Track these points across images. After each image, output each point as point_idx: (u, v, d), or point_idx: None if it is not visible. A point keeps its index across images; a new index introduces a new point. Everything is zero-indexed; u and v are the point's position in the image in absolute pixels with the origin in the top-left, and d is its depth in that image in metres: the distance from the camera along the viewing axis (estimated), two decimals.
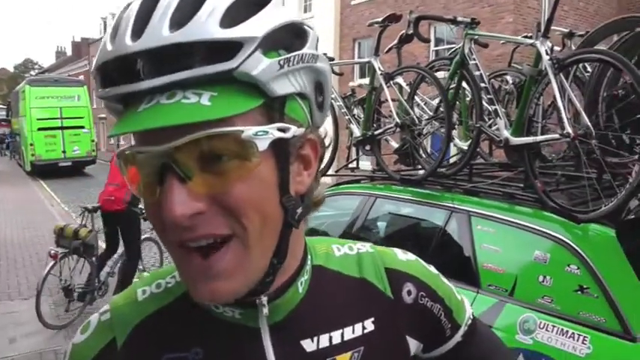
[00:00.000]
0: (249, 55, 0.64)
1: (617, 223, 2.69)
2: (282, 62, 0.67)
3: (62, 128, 23.18)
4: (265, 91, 0.66)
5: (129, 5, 0.67)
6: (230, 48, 0.63)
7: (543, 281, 2.74)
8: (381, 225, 4.41)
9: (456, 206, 3.39)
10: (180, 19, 0.63)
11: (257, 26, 0.65)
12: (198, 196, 0.64)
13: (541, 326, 2.62)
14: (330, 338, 0.83)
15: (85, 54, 57.11)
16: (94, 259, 6.04)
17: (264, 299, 0.77)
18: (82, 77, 37.59)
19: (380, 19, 4.60)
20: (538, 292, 2.74)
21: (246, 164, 0.65)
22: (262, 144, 0.65)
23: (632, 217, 2.70)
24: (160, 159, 0.64)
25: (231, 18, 0.64)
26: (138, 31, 0.63)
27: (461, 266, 3.16)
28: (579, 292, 2.60)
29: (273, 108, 0.69)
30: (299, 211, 0.74)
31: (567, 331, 2.54)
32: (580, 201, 2.99)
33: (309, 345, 0.81)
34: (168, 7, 0.63)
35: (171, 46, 0.62)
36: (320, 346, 0.82)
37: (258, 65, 0.64)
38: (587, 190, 2.93)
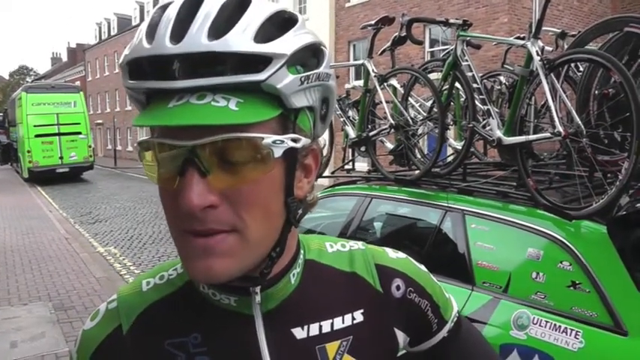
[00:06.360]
0: (277, 70, 0.70)
1: (608, 220, 2.72)
2: (302, 79, 0.74)
3: (59, 134, 23.18)
4: (285, 103, 0.73)
5: (165, 8, 0.73)
6: (261, 61, 0.70)
7: (536, 278, 2.78)
8: (377, 225, 4.45)
9: (450, 205, 3.43)
10: (217, 31, 0.69)
11: (286, 44, 0.72)
12: (213, 190, 0.70)
13: (535, 322, 2.66)
14: (320, 327, 0.87)
15: (80, 60, 57.19)
16: None
17: (257, 288, 0.82)
18: (77, 83, 37.69)
19: (373, 22, 4.64)
20: (531, 288, 2.78)
21: (261, 167, 0.72)
22: (278, 151, 0.72)
23: (623, 213, 2.73)
24: (184, 153, 0.70)
25: (263, 34, 0.71)
26: (177, 36, 0.69)
27: (455, 264, 3.19)
28: (572, 288, 2.64)
29: (289, 119, 0.76)
30: (300, 211, 0.81)
31: (560, 326, 2.58)
32: (572, 198, 3.03)
33: (299, 333, 0.86)
34: (207, 18, 0.69)
35: (208, 54, 0.68)
36: (310, 334, 0.86)
37: (284, 80, 0.71)
38: (578, 188, 2.97)
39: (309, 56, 0.77)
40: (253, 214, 0.73)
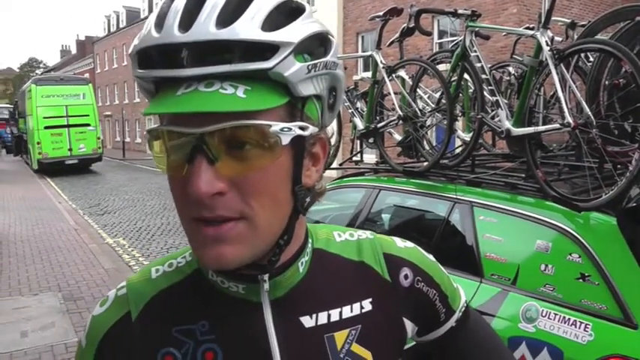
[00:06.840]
0: (284, 58, 0.71)
1: (618, 212, 2.70)
2: (310, 67, 0.75)
3: (68, 126, 23.31)
4: (292, 91, 0.74)
5: None
6: (268, 49, 0.70)
7: (545, 270, 2.76)
8: (385, 217, 4.44)
9: (458, 197, 3.42)
10: (225, 19, 0.70)
11: (293, 33, 0.73)
12: (221, 177, 0.70)
13: (543, 314, 2.65)
14: (329, 316, 0.87)
15: (89, 52, 57.39)
16: None
17: (266, 276, 0.82)
18: (86, 75, 37.79)
19: (381, 13, 4.62)
20: (540, 280, 2.76)
21: (269, 155, 0.72)
22: (285, 139, 0.73)
23: (633, 205, 2.71)
24: (193, 141, 0.70)
25: (271, 23, 0.72)
26: (186, 25, 0.70)
27: (464, 256, 3.18)
28: (581, 280, 2.63)
29: (296, 107, 0.76)
30: (307, 200, 0.81)
31: (569, 319, 2.57)
32: (581, 190, 3.01)
33: (307, 321, 0.86)
34: (215, 7, 0.70)
35: (216, 42, 0.69)
36: (318, 323, 0.87)
37: (291, 68, 0.72)
38: (588, 180, 2.95)
39: (316, 45, 0.78)
40: (261, 201, 0.73)
